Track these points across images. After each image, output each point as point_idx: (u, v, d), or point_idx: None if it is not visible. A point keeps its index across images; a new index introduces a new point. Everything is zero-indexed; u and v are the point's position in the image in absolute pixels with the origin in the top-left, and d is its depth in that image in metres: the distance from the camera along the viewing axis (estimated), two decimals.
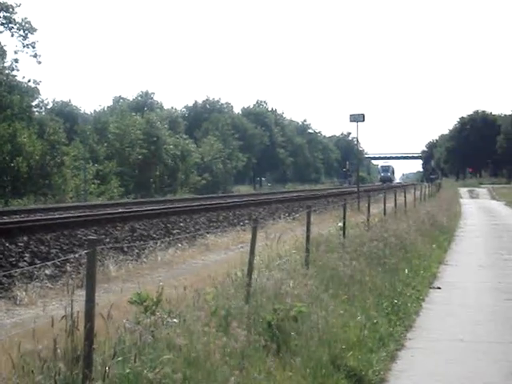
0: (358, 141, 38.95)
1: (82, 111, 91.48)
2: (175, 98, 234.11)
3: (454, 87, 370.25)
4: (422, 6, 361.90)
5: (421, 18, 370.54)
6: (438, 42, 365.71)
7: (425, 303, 11.21)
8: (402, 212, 24.26)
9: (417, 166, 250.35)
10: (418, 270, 13.94)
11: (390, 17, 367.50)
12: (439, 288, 12.68)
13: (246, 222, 22.38)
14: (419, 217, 23.25)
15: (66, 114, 67.24)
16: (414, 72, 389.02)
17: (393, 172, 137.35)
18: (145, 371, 5.38)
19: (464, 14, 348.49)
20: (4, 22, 43.35)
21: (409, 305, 10.59)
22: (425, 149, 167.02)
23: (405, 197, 28.24)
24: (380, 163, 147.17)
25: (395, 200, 25.24)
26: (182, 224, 21.13)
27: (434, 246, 18.39)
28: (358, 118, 30.60)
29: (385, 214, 21.64)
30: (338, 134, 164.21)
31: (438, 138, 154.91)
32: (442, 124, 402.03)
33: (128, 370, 5.36)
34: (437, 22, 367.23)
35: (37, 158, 43.07)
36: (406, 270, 13.17)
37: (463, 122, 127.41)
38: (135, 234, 17.89)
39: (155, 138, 60.91)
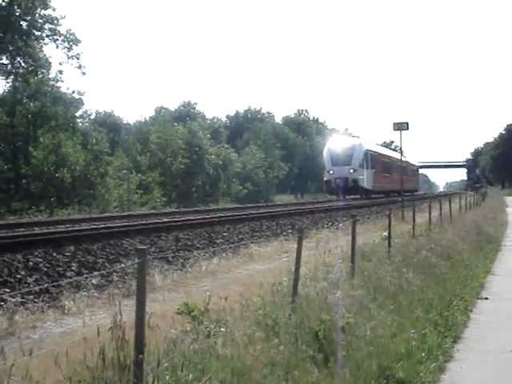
0: (401, 150, 38.52)
1: (124, 122, 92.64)
2: (217, 108, 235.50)
3: (500, 94, 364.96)
4: (469, 12, 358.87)
5: (465, 24, 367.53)
6: (482, 47, 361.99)
7: (473, 314, 11.02)
8: (447, 221, 23.97)
9: (461, 174, 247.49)
10: (465, 280, 13.73)
11: (432, 24, 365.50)
12: (487, 298, 12.48)
13: (289, 231, 22.32)
14: (465, 226, 22.96)
15: (109, 124, 68.14)
16: (458, 78, 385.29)
17: (370, 168, 56.04)
18: (192, 381, 5.39)
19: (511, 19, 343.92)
20: (49, 33, 44.26)
21: (457, 315, 10.44)
22: (469, 157, 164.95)
23: (450, 206, 27.92)
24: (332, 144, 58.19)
25: (440, 209, 24.95)
26: (225, 234, 21.16)
27: (480, 255, 18.11)
28: (401, 127, 30.34)
29: (430, 223, 21.41)
30: (380, 142, 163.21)
31: (483, 146, 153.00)
32: (488, 131, 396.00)
33: (175, 379, 5.38)
34: (482, 28, 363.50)
35: (81, 168, 43.66)
36: (454, 280, 13.00)
37: (509, 129, 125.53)
38: (179, 244, 17.96)
39: (197, 148, 61.34)
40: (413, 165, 77.21)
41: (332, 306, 7.89)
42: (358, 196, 55.22)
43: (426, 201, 36.69)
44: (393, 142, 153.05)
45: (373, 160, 56.87)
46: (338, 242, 16.33)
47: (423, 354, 7.99)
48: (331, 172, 53.49)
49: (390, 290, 9.93)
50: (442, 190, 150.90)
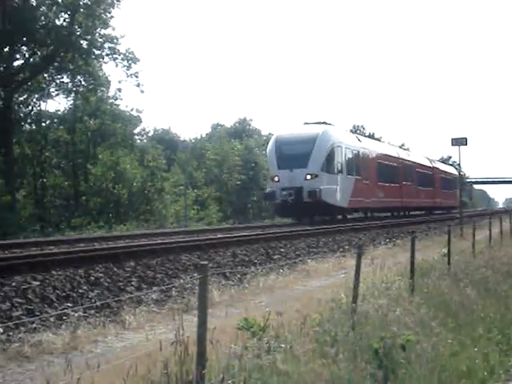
0: (460, 165, 38.02)
1: (181, 138, 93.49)
2: (272, 124, 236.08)
3: None
4: None
5: None
6: None
7: None
8: (508, 238, 23.54)
9: None
10: None
11: (493, 40, 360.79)
12: None
13: (346, 247, 22.21)
14: None
15: (166, 141, 68.75)
16: None
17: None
18: None
19: None
20: (109, 52, 45.04)
21: None
22: None
23: (511, 222, 27.41)
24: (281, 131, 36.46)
25: (501, 226, 24.51)
26: (282, 249, 21.17)
27: None
28: (460, 142, 29.98)
29: (490, 240, 21.05)
30: (437, 158, 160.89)
31: None
32: None
33: None
34: None
35: (138, 184, 44.39)
36: None
37: None
38: (237, 260, 18.05)
39: (253, 164, 61.61)
40: (445, 172, 53.64)
41: (392, 323, 7.82)
42: (328, 218, 35.79)
43: (486, 217, 35.91)
44: (450, 157, 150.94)
45: (352, 160, 37.06)
46: (396, 259, 16.22)
47: (485, 373, 7.85)
48: (277, 179, 33.93)
49: (450, 308, 9.80)
50: (501, 206, 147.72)
